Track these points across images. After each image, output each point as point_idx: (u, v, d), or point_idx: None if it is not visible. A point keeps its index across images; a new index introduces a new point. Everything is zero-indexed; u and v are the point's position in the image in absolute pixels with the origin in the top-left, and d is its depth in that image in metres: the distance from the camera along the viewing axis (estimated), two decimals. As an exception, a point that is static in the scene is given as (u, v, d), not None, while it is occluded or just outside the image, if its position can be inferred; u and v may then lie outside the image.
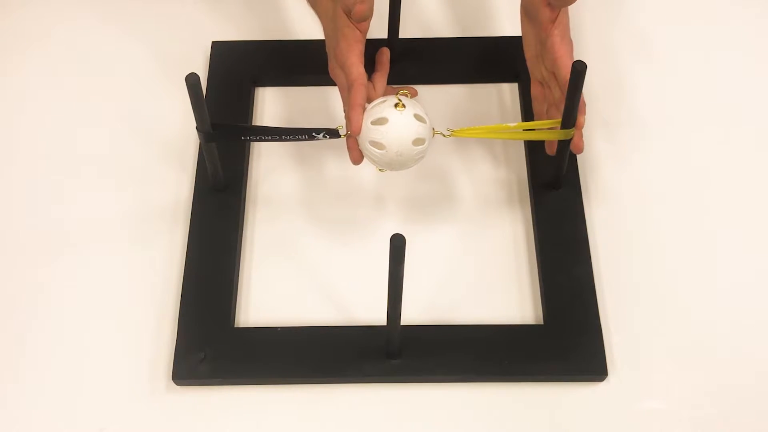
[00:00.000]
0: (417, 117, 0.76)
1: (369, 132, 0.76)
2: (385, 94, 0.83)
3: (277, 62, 0.95)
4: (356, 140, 0.78)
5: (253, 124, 0.92)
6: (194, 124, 0.77)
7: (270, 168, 0.90)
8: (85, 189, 0.88)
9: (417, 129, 0.76)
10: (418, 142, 0.76)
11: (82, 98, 0.95)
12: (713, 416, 0.76)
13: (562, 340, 0.78)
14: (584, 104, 0.78)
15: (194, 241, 0.83)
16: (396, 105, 0.76)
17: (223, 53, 0.96)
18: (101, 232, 0.86)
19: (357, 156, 0.79)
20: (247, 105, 0.92)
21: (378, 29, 0.90)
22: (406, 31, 0.93)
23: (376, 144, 0.76)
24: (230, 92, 0.93)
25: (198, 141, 0.89)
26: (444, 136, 0.78)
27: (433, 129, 0.78)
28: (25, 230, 0.86)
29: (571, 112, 0.76)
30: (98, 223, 0.86)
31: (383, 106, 0.76)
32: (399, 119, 0.75)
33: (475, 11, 1.01)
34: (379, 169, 0.79)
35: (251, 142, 0.90)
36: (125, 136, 0.92)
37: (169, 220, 0.86)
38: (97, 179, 0.89)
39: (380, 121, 0.76)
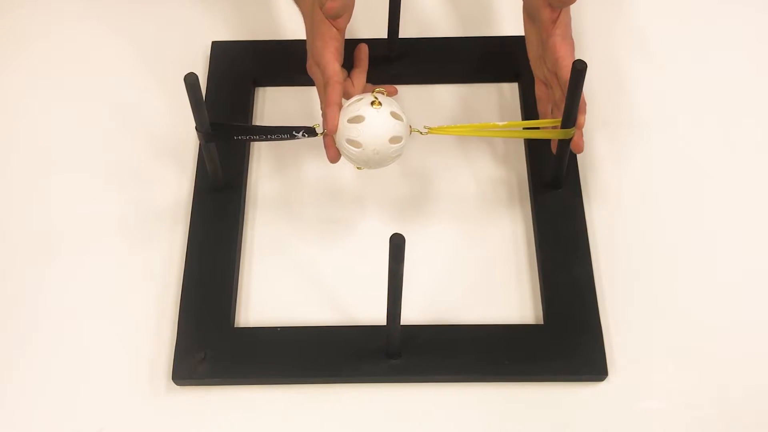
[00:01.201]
0: (393, 115, 0.76)
1: (345, 130, 0.76)
2: (364, 92, 0.82)
3: (277, 62, 0.95)
4: (333, 138, 0.77)
5: (253, 124, 0.92)
6: (194, 124, 0.77)
7: (270, 168, 0.90)
8: (84, 189, 0.88)
9: (394, 127, 0.75)
10: (395, 140, 0.76)
11: (81, 98, 0.95)
12: (713, 416, 0.76)
13: (562, 339, 0.78)
14: (585, 104, 0.78)
15: (194, 241, 0.83)
16: (372, 103, 0.75)
17: (223, 53, 0.95)
18: (101, 232, 0.86)
19: (334, 154, 0.78)
20: (247, 105, 0.92)
21: (378, 29, 0.91)
22: (406, 31, 0.93)
23: (352, 142, 0.76)
24: (230, 92, 0.93)
25: (198, 141, 0.89)
26: (421, 133, 0.78)
27: (410, 127, 0.78)
28: (25, 230, 0.86)
29: (571, 111, 0.76)
30: (98, 224, 0.86)
31: (359, 104, 0.76)
32: (375, 117, 0.75)
33: (475, 11, 1.01)
34: (357, 168, 0.78)
35: (250, 142, 0.90)
36: (125, 136, 0.92)
37: (169, 220, 0.86)
38: (97, 179, 0.89)
39: (356, 119, 0.75)
